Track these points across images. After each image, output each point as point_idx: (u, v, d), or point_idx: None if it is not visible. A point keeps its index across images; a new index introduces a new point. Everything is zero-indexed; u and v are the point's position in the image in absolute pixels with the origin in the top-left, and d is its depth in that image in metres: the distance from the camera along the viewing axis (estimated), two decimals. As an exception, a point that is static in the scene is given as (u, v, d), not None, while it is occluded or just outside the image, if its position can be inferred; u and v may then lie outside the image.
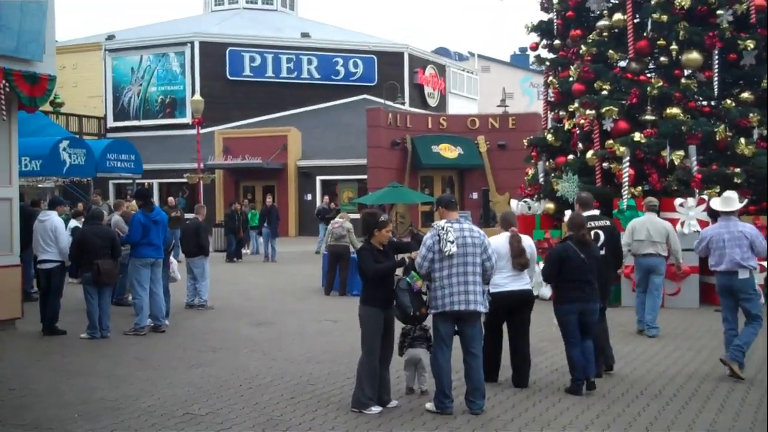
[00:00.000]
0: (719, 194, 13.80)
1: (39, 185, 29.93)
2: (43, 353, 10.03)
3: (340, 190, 34.44)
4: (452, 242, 6.94)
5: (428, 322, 7.45)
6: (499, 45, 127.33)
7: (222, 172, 35.76)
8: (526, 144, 17.41)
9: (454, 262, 6.98)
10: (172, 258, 13.04)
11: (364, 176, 31.25)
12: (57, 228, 11.37)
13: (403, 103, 38.72)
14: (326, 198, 29.00)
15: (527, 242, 8.23)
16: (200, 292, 13.82)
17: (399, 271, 7.40)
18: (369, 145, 30.85)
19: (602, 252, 8.49)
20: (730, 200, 8.63)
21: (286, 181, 35.07)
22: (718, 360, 8.66)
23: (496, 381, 8.11)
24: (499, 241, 8.04)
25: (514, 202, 16.65)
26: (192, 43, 41.77)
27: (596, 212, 9.35)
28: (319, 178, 34.80)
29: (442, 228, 7.00)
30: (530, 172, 17.28)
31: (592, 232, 8.53)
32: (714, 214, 8.96)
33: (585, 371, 7.69)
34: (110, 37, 44.35)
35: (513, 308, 8.07)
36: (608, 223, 9.09)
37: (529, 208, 15.91)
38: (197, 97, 30.23)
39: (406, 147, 31.48)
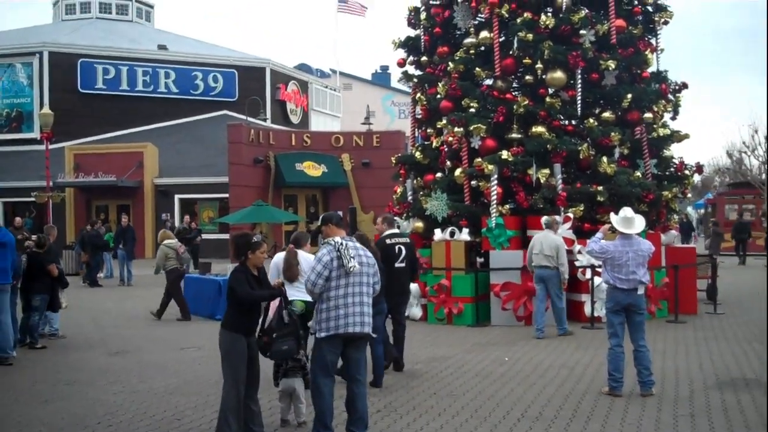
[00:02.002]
0: (584, 212, 14.12)
1: None
2: None
3: (200, 209, 33.38)
4: (353, 258, 6.52)
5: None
6: (360, 63, 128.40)
7: (73, 191, 33.95)
8: (393, 162, 17.23)
9: (352, 281, 6.54)
10: None
11: (226, 194, 30.36)
12: None
13: (265, 119, 38.06)
14: (186, 217, 27.97)
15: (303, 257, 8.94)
16: (50, 320, 12.78)
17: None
18: (230, 162, 30.03)
19: (403, 264, 9.89)
20: (630, 221, 8.63)
21: (142, 200, 33.67)
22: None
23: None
24: (280, 257, 9.17)
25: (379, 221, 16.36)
26: (41, 53, 39.71)
27: (397, 230, 10.83)
28: (177, 196, 33.56)
29: (342, 244, 6.55)
30: (398, 190, 17.10)
31: (396, 247, 9.89)
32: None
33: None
34: None
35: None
36: (408, 240, 10.38)
37: (398, 226, 15.68)
38: (46, 110, 28.68)
39: (269, 164, 30.85)
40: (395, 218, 11.68)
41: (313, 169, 31.27)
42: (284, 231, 30.61)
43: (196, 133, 38.16)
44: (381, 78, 67.82)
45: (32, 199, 29.28)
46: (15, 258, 10.97)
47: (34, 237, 12.77)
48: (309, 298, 8.43)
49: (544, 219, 12.92)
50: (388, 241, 9.94)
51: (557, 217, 13.30)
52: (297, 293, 8.65)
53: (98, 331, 13.58)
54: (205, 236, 27.99)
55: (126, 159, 33.37)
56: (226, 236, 29.09)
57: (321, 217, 7.17)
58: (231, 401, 6.60)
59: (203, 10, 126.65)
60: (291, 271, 8.66)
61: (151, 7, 50.62)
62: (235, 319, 6.70)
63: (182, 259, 15.73)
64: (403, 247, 9.99)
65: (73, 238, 29.93)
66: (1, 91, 40.32)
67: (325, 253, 6.58)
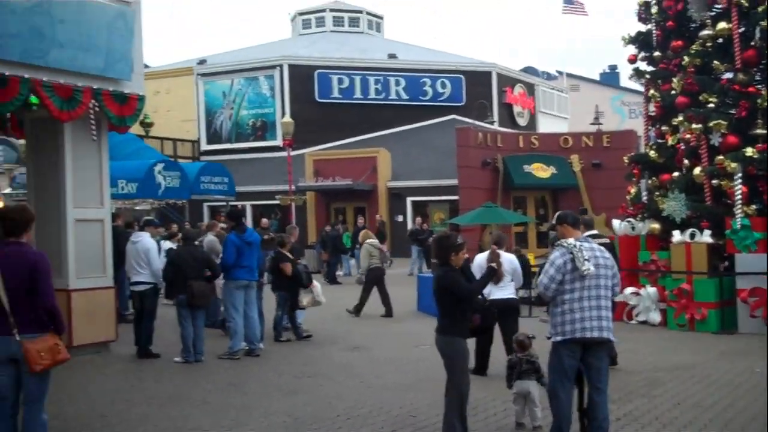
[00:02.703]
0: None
1: (135, 207, 30.61)
2: (136, 378, 9.93)
3: (432, 211, 34.05)
4: (588, 260, 6.31)
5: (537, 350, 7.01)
6: (587, 64, 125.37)
7: (313, 194, 35.83)
8: (626, 161, 16.72)
9: (587, 284, 6.32)
10: (314, 281, 13.02)
11: (456, 197, 30.78)
12: (149, 250, 11.32)
13: (492, 123, 38.16)
14: (418, 219, 28.69)
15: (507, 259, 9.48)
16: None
17: None
18: (459, 165, 30.36)
19: None
20: None
21: (376, 203, 34.89)
22: None
23: (486, 375, 9.54)
24: (482, 257, 9.28)
25: (615, 222, 15.93)
26: (281, 66, 42.17)
27: (596, 231, 10.77)
28: (409, 199, 34.51)
29: (575, 246, 6.35)
30: (632, 190, 16.55)
31: None
32: None
33: None
34: (201, 62, 45.20)
35: (499, 314, 8.98)
36: (607, 241, 10.47)
37: (633, 228, 15.21)
38: (287, 119, 30.43)
39: (497, 167, 30.85)
40: (589, 218, 11.79)
41: (541, 171, 30.92)
42: (514, 232, 30.55)
43: (425, 138, 38.96)
44: (609, 78, 65.88)
45: (276, 202, 31.22)
46: (260, 256, 11.78)
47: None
48: (515, 296, 9.92)
49: None
50: None
51: None
52: (500, 293, 8.97)
53: (339, 327, 14.26)
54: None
55: (361, 164, 34.71)
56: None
57: (556, 216, 7.02)
58: (455, 407, 6.62)
59: (429, 18, 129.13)
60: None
61: (381, 18, 52.29)
62: (452, 322, 6.65)
63: (385, 258, 16.30)
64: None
65: (314, 238, 31.55)
66: (248, 103, 43.20)
67: (557, 256, 6.41)
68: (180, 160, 33.49)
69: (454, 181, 30.90)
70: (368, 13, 50.94)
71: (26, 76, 10.36)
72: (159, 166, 21.97)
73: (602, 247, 6.69)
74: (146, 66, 52.74)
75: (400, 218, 34.17)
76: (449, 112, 41.99)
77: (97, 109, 11.28)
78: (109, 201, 12.13)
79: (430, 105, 42.53)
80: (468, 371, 6.88)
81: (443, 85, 42.91)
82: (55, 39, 10.64)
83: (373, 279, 15.91)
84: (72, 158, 11.38)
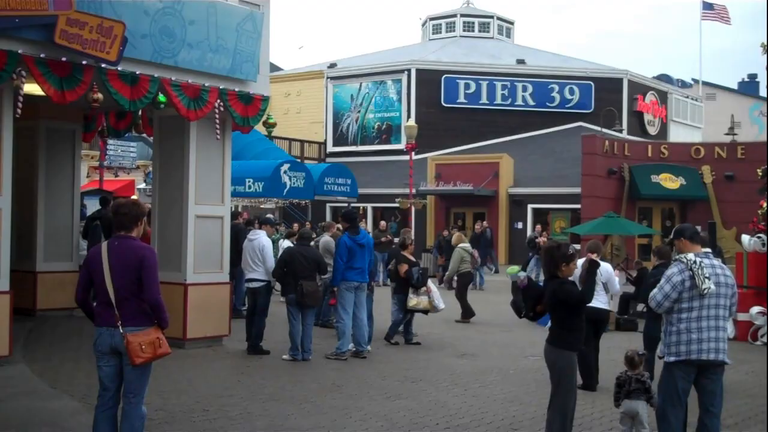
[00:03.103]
0: None
1: (261, 206, 31.45)
2: (243, 373, 10.15)
3: (552, 219, 33.50)
4: (708, 278, 6.03)
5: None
6: (725, 72, 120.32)
7: (433, 198, 35.85)
8: (759, 174, 15.96)
9: (706, 303, 6.06)
10: (431, 284, 12.89)
11: (578, 205, 30.18)
12: (264, 247, 11.58)
13: (620, 131, 37.18)
14: (538, 227, 28.26)
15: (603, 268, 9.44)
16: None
17: None
18: (584, 173, 29.78)
19: None
20: None
21: (497, 209, 34.57)
22: None
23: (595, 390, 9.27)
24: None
25: (745, 238, 15.19)
26: (409, 70, 42.39)
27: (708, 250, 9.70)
28: (530, 206, 34.03)
29: (695, 262, 6.09)
30: (765, 205, 15.76)
31: None
32: None
33: None
34: (332, 66, 45.99)
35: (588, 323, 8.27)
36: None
37: (763, 244, 14.49)
38: (411, 122, 30.57)
39: (623, 176, 30.11)
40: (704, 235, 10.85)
41: (669, 181, 29.95)
42: (637, 244, 29.68)
43: (550, 145, 38.36)
44: (749, 87, 62.97)
45: (397, 205, 31.42)
46: (372, 259, 11.86)
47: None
48: (607, 307, 9.88)
49: None
50: None
51: None
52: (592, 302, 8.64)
53: (449, 333, 14.21)
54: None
55: (483, 169, 34.47)
56: (576, 246, 28.89)
57: (674, 230, 6.74)
58: (557, 423, 6.45)
59: (559, 23, 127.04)
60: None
61: (512, 23, 51.80)
62: (564, 334, 6.51)
63: (477, 263, 16.18)
64: None
65: (432, 242, 31.57)
66: (374, 106, 43.66)
67: (675, 273, 6.14)
68: (306, 161, 34.16)
69: (577, 190, 30.33)
70: (499, 18, 50.57)
71: (156, 75, 10.81)
72: (285, 166, 22.46)
73: (722, 264, 6.38)
74: (279, 69, 54.56)
75: (520, 225, 33.73)
76: (576, 119, 41.20)
77: (222, 108, 11.62)
78: (229, 199, 12.46)
79: (557, 112, 41.82)
80: (575, 387, 6.70)
81: (571, 92, 42.13)
82: (185, 39, 11.03)
83: (465, 284, 15.93)
84: (196, 156, 11.76)
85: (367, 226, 32.56)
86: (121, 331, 5.69)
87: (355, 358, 11.25)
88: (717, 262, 6.31)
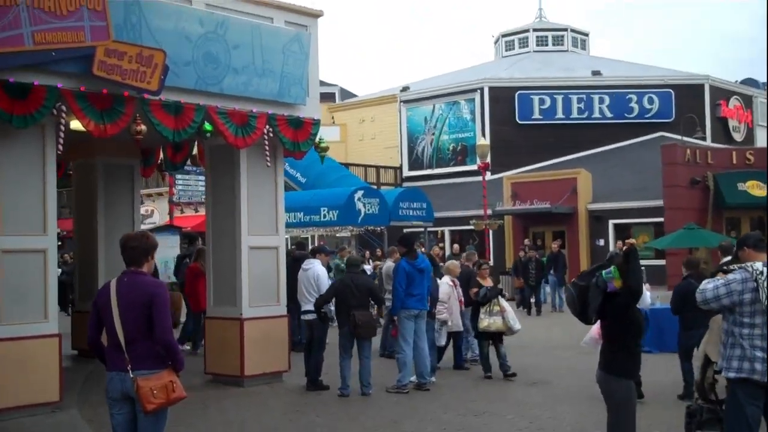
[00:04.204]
0: None
1: (336, 234, 31.17)
2: (297, 411, 9.65)
3: (635, 234, 32.21)
4: None
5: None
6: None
7: (511, 218, 34.98)
8: None
9: None
10: (505, 304, 12.18)
11: (661, 219, 28.90)
12: (319, 277, 11.09)
13: (702, 138, 35.65)
14: (619, 243, 27.15)
15: None
16: (472, 345, 12.95)
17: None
18: (665, 184, 28.53)
19: None
20: None
21: (576, 226, 33.47)
22: None
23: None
24: None
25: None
26: (481, 89, 41.72)
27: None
28: (611, 221, 32.79)
29: (761, 272, 5.42)
30: None
31: None
32: None
33: None
34: (405, 89, 45.72)
35: None
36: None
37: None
38: (482, 141, 29.91)
39: (707, 185, 28.73)
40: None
41: (757, 189, 28.40)
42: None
43: (629, 157, 37.06)
44: None
45: (473, 227, 30.68)
46: (431, 284, 11.24)
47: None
48: None
49: None
50: None
51: None
52: None
53: (523, 359, 13.43)
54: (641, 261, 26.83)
55: (560, 186, 33.45)
56: (661, 262, 27.68)
57: (738, 240, 6.04)
58: None
59: (635, 33, 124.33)
60: None
61: (586, 35, 50.71)
62: (622, 360, 5.90)
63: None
64: None
65: (511, 263, 30.71)
66: (448, 127, 43.11)
67: (738, 280, 5.50)
68: (383, 188, 33.80)
69: (660, 202, 29.11)
70: (573, 30, 49.58)
71: (201, 103, 10.52)
72: (359, 193, 22.19)
73: None
74: (353, 95, 54.53)
75: (601, 242, 32.49)
76: (657, 129, 39.78)
77: (271, 134, 11.27)
78: (283, 228, 12.05)
79: (637, 122, 40.49)
80: (635, 415, 5.99)
81: (650, 101, 40.77)
82: (230, 65, 10.72)
83: None
84: (247, 185, 11.41)
85: (444, 249, 31.92)
86: (131, 375, 5.27)
87: (418, 391, 10.64)
88: None
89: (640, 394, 9.55)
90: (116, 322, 5.33)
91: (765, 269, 5.47)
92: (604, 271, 5.82)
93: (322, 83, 57.36)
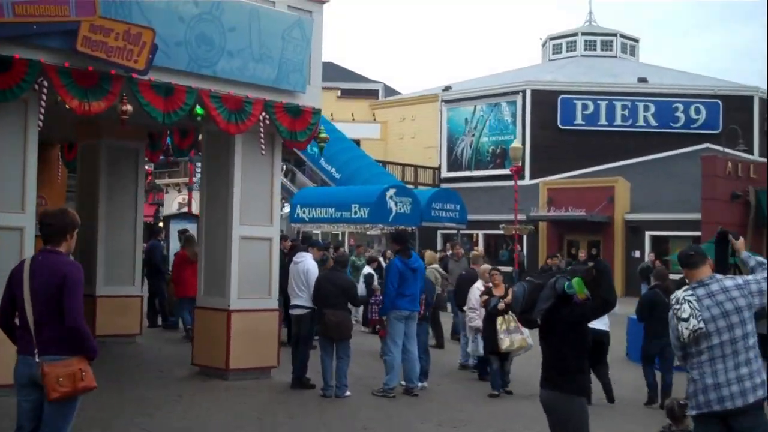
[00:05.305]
0: None
1: (366, 232, 30.67)
2: (270, 411, 9.11)
3: (672, 247, 31.19)
4: (686, 320, 4.87)
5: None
6: None
7: (546, 225, 34.18)
8: None
9: (716, 341, 4.89)
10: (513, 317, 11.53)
11: (699, 232, 27.90)
12: (309, 271, 10.58)
13: (745, 150, 34.40)
14: (651, 255, 26.22)
15: None
16: (478, 349, 12.27)
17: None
18: (703, 197, 27.56)
19: None
20: None
21: (612, 236, 32.56)
22: None
23: None
24: None
25: None
26: (524, 91, 40.98)
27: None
28: (648, 233, 31.81)
29: (676, 301, 5.00)
30: None
31: None
32: None
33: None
34: (447, 89, 45.16)
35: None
36: None
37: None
38: (516, 144, 29.23)
39: (748, 200, 27.66)
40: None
41: (801, 206, 27.35)
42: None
43: (671, 168, 35.97)
44: None
45: (501, 231, 30.00)
46: (423, 286, 10.68)
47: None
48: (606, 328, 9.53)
49: None
50: None
51: None
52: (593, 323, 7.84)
53: (527, 370, 12.75)
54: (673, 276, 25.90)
55: (597, 193, 32.59)
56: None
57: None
58: None
59: (690, 43, 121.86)
60: None
61: (636, 41, 49.59)
62: (580, 377, 5.39)
63: (447, 285, 15.06)
64: None
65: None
66: (488, 129, 42.40)
67: (671, 316, 5.09)
68: (420, 187, 33.23)
69: (699, 216, 28.10)
70: (622, 36, 48.54)
71: (193, 86, 10.12)
72: (391, 191, 21.67)
73: (737, 281, 5.05)
74: (397, 93, 53.97)
75: (637, 254, 31.52)
76: (703, 140, 38.61)
77: (267, 122, 10.83)
78: (278, 219, 11.61)
79: (682, 132, 39.39)
80: None
81: (697, 111, 39.62)
82: (225, 48, 10.30)
83: (437, 307, 14.11)
84: (241, 173, 11.00)
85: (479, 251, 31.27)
86: (38, 360, 4.86)
87: (405, 396, 10.10)
88: (728, 282, 5.05)
89: (611, 399, 10.02)
90: (26, 303, 4.94)
91: (683, 295, 5.01)
92: (566, 283, 5.28)
93: (366, 80, 56.96)
